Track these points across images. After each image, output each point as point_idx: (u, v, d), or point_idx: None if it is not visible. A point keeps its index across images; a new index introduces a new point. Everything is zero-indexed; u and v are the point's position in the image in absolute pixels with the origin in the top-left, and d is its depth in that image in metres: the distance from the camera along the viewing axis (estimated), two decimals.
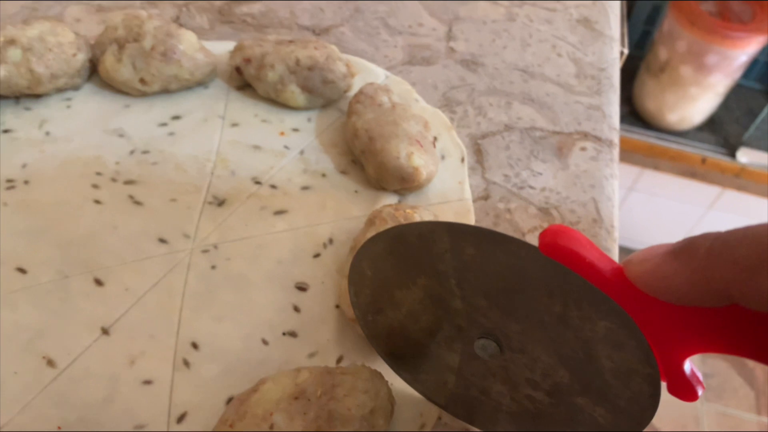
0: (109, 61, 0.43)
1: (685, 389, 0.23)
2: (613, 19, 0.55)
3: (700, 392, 0.22)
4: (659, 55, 1.13)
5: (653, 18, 1.28)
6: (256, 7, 0.52)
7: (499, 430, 0.29)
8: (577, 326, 0.23)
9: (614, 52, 0.52)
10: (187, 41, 0.43)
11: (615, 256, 0.39)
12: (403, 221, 0.34)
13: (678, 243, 0.19)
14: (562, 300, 0.22)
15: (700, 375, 0.22)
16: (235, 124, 0.43)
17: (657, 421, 1.24)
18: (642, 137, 1.18)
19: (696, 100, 1.14)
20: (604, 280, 0.21)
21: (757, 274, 0.17)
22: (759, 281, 0.17)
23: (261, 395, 0.28)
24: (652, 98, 1.17)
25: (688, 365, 0.22)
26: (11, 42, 0.41)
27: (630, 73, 1.22)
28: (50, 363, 0.32)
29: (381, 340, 0.30)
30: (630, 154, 1.19)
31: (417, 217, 0.34)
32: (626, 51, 0.58)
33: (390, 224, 0.34)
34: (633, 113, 1.22)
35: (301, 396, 0.28)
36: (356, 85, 0.45)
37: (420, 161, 0.38)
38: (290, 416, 0.27)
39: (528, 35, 0.52)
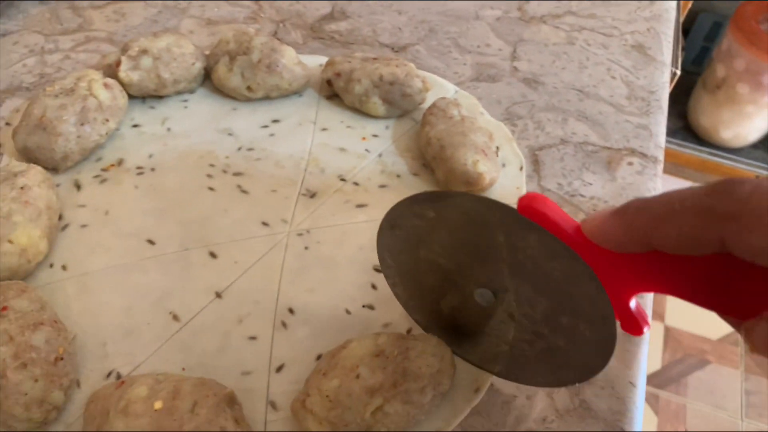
0: (221, 70, 0.50)
1: (632, 324, 0.30)
2: (665, 45, 0.60)
3: (645, 329, 0.29)
4: (716, 72, 1.16)
5: (712, 35, 1.30)
6: (342, 25, 0.59)
7: (533, 376, 0.35)
8: (545, 268, 0.29)
9: (665, 76, 0.57)
10: (288, 56, 0.50)
11: None
12: None
13: (619, 205, 0.26)
14: (532, 250, 0.29)
15: (646, 315, 0.29)
16: (324, 129, 0.50)
17: None
18: (695, 152, 1.20)
19: (752, 118, 1.16)
20: (567, 235, 0.28)
21: (665, 223, 0.23)
22: (666, 229, 0.23)
23: (348, 351, 0.35)
24: (707, 114, 1.19)
25: (633, 303, 0.29)
26: (144, 51, 0.49)
27: (685, 88, 1.24)
28: (175, 317, 0.40)
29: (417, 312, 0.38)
30: (682, 168, 1.21)
31: None
32: (678, 72, 0.63)
33: None
34: (687, 128, 1.24)
35: (380, 354, 0.34)
36: (429, 98, 0.51)
37: (484, 168, 0.44)
38: (372, 369, 0.34)
39: (585, 58, 0.58)
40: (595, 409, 0.37)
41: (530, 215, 0.28)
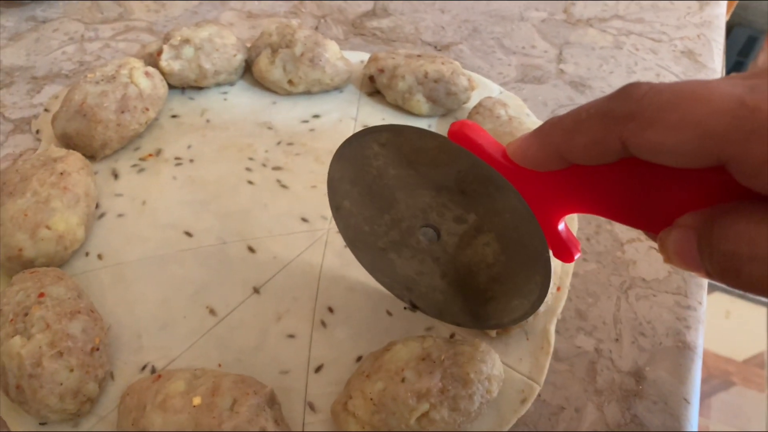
0: (263, 63, 0.49)
1: (562, 250, 0.29)
2: (716, 52, 0.58)
3: (576, 255, 0.29)
4: None
5: (747, 50, 1.28)
6: (384, 23, 0.58)
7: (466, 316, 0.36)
8: (476, 194, 0.30)
9: None
10: (332, 50, 0.49)
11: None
12: None
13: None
14: (464, 175, 0.29)
15: (576, 241, 0.30)
16: (365, 126, 0.49)
17: None
18: None
19: None
20: (494, 160, 0.28)
21: (574, 133, 0.23)
22: (575, 139, 0.23)
23: (393, 354, 0.33)
24: None
25: (562, 226, 0.29)
26: (186, 41, 0.48)
27: None
28: (212, 312, 0.38)
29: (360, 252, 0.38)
30: None
31: None
32: None
33: None
34: None
35: (427, 358, 0.33)
36: (473, 98, 0.50)
37: None
38: (419, 373, 0.32)
39: (634, 63, 0.56)
40: (648, 425, 0.35)
41: (461, 141, 0.28)
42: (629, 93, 0.22)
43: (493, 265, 0.32)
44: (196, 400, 0.31)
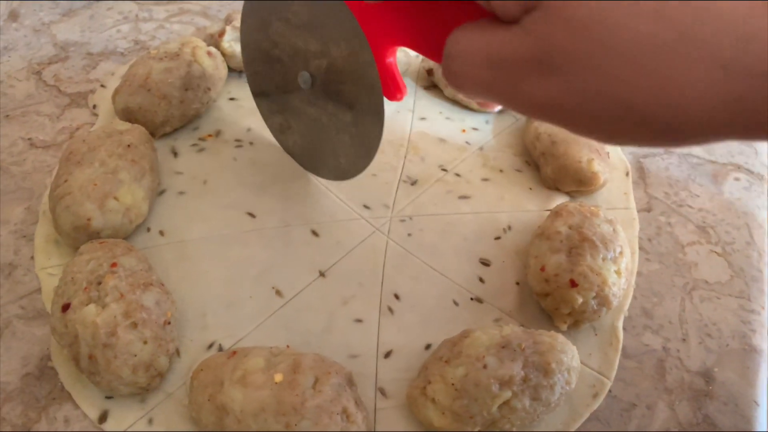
0: None
1: (390, 87, 0.33)
2: None
3: (401, 95, 0.34)
4: None
5: None
6: None
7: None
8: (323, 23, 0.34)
9: None
10: None
11: (765, 280, 0.42)
12: (588, 216, 0.38)
13: None
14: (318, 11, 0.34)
15: (404, 83, 0.34)
16: (423, 118, 0.49)
17: None
18: None
19: None
20: None
21: None
22: None
23: (472, 340, 0.33)
24: None
25: (392, 61, 0.33)
26: None
27: None
28: (278, 293, 0.38)
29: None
30: None
31: (601, 215, 0.39)
32: None
33: (576, 217, 0.38)
34: None
35: (507, 346, 0.32)
36: None
37: (599, 167, 0.42)
38: (500, 360, 0.32)
39: None
40: (720, 425, 0.35)
41: None
42: None
43: (340, 94, 0.36)
44: (278, 377, 0.30)
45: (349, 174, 0.39)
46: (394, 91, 0.34)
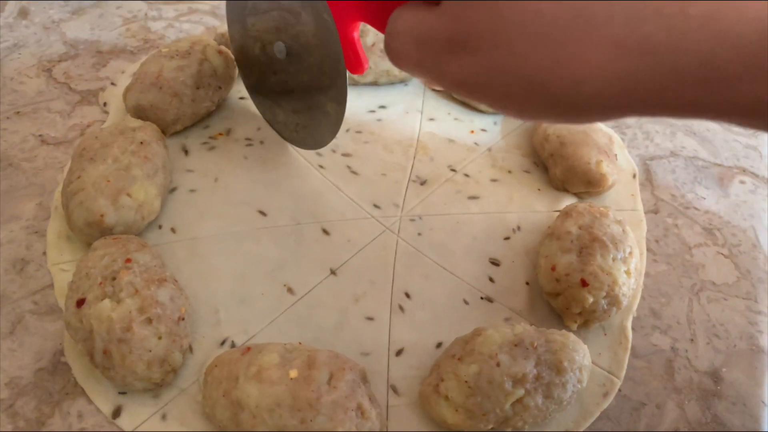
0: None
1: (352, 60, 0.35)
2: None
3: (363, 68, 0.35)
4: None
5: None
6: None
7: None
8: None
9: None
10: None
11: None
12: (598, 216, 0.39)
13: None
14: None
15: (364, 55, 0.35)
16: (431, 119, 0.49)
17: None
18: None
19: None
20: None
21: None
22: None
23: (485, 338, 0.33)
24: None
25: (356, 36, 0.34)
26: None
27: None
28: (290, 290, 0.38)
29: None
30: None
31: (611, 215, 0.39)
32: None
33: (586, 218, 0.39)
34: None
35: (520, 344, 0.33)
36: None
37: (608, 169, 0.43)
38: (513, 358, 0.32)
39: None
40: (729, 425, 0.35)
41: None
42: None
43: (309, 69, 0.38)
44: (293, 373, 0.30)
45: (322, 143, 0.42)
46: (356, 65, 0.36)
